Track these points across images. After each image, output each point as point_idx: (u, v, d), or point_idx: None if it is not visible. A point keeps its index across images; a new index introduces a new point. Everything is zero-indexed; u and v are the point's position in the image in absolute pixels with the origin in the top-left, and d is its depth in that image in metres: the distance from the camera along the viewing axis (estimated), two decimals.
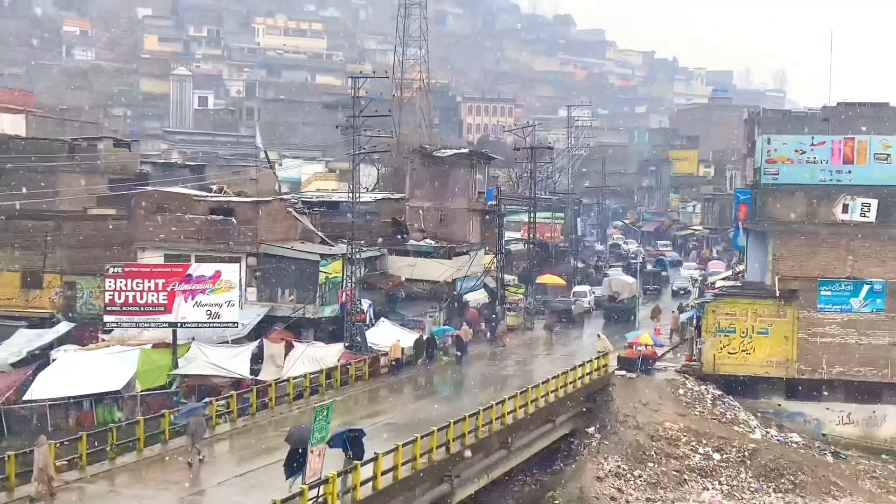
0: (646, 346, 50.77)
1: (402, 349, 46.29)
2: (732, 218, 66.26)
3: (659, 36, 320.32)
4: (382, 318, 52.07)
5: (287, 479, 25.80)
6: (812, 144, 51.77)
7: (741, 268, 62.39)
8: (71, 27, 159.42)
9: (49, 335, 47.70)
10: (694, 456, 40.85)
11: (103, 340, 46.75)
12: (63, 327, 48.57)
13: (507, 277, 64.93)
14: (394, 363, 45.52)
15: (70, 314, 50.07)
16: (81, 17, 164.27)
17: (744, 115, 76.93)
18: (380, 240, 57.88)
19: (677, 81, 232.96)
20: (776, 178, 52.20)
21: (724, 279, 63.54)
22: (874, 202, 50.84)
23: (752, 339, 49.81)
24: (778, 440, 45.37)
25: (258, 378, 42.15)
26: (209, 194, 55.38)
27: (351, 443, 26.24)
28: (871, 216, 50.90)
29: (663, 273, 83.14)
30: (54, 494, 25.84)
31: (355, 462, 25.80)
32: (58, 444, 28.95)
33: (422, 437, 29.61)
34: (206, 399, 36.91)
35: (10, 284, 51.22)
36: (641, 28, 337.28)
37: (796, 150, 52.01)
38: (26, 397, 41.63)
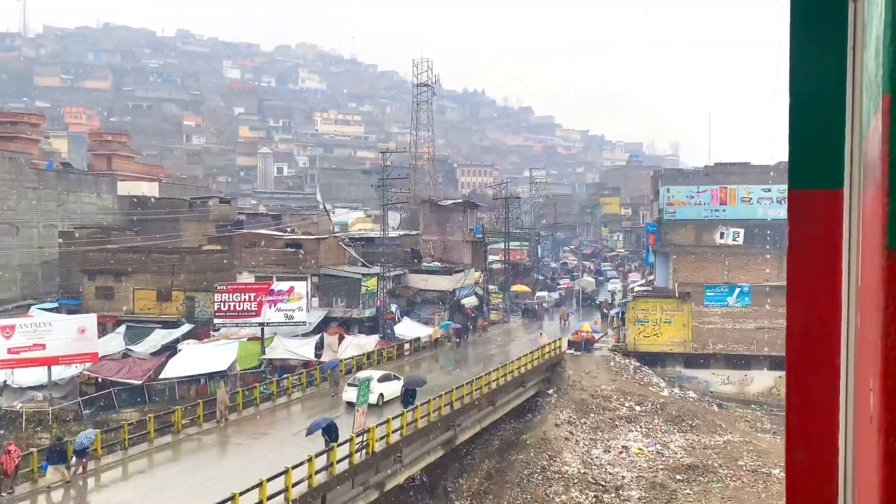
0: (587, 332, 50.67)
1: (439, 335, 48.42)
2: (644, 243, 66.26)
3: (591, 118, 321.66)
4: (405, 317, 52.00)
5: (405, 408, 28.75)
6: (698, 192, 51.88)
7: (651, 278, 62.34)
8: (189, 121, 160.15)
9: (176, 333, 47.70)
10: (622, 408, 40.70)
11: (213, 336, 46.70)
12: (186, 327, 48.54)
13: (490, 287, 64.86)
14: (435, 342, 47.55)
15: (190, 318, 49.99)
16: (196, 115, 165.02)
17: (651, 173, 77.07)
18: (402, 263, 57.88)
19: (604, 150, 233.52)
20: (674, 216, 52.28)
21: (640, 286, 63.48)
22: (742, 231, 50.97)
23: (660, 327, 49.74)
24: (680, 396, 45.21)
25: (321, 360, 42.08)
26: (285, 234, 55.44)
27: (326, 430, 23.80)
28: (740, 240, 50.99)
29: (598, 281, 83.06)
30: (227, 419, 28.93)
31: (332, 444, 23.25)
32: (184, 409, 28.89)
33: (433, 399, 29.52)
34: (339, 359, 39.12)
35: (149, 298, 51.21)
36: (579, 113, 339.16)
37: (687, 196, 52.11)
38: (161, 376, 41.59)
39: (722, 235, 51.36)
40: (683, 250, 51.57)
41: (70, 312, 47.96)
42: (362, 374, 32.31)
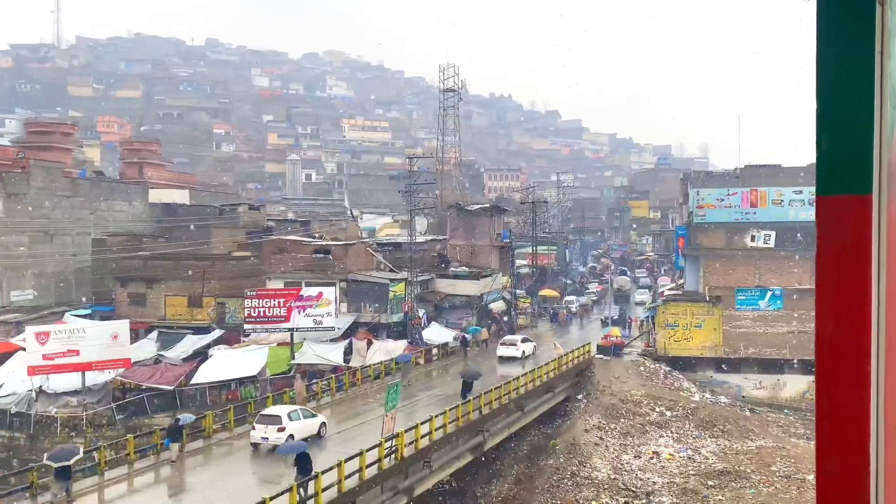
0: (616, 337, 50.29)
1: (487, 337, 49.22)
2: (674, 247, 65.73)
3: (619, 122, 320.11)
4: (433, 322, 52.02)
5: (462, 398, 29.74)
6: (728, 194, 51.40)
7: (681, 281, 61.77)
8: (219, 129, 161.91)
9: (207, 339, 48.16)
10: (652, 413, 40.31)
11: (244, 341, 47.08)
12: (216, 333, 48.96)
13: (518, 291, 64.68)
14: (485, 344, 48.18)
15: (221, 324, 50.41)
16: (225, 123, 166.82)
17: (680, 176, 76.46)
18: (430, 268, 57.94)
19: (633, 153, 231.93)
20: (704, 219, 51.82)
21: (670, 290, 62.94)
22: (773, 233, 50.40)
23: (691, 331, 49.21)
24: (711, 401, 44.67)
25: (349, 365, 42.24)
26: (313, 240, 55.78)
27: (298, 460, 21.11)
28: (771, 243, 50.40)
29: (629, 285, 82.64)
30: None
31: (303, 478, 20.40)
32: (215, 413, 29.16)
33: (462, 404, 29.50)
34: (411, 353, 41.03)
35: (180, 305, 51.78)
36: (607, 117, 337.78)
37: (717, 199, 51.65)
38: (192, 381, 42.02)
39: (753, 238, 50.83)
40: (714, 253, 51.08)
41: (103, 319, 48.70)
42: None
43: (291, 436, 25.05)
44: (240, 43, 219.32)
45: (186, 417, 27.32)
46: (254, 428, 26.07)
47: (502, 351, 43.91)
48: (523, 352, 44.16)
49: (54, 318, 50.68)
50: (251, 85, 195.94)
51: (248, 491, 20.80)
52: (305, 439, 24.75)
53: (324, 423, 27.41)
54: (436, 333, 48.80)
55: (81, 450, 24.04)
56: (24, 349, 42.23)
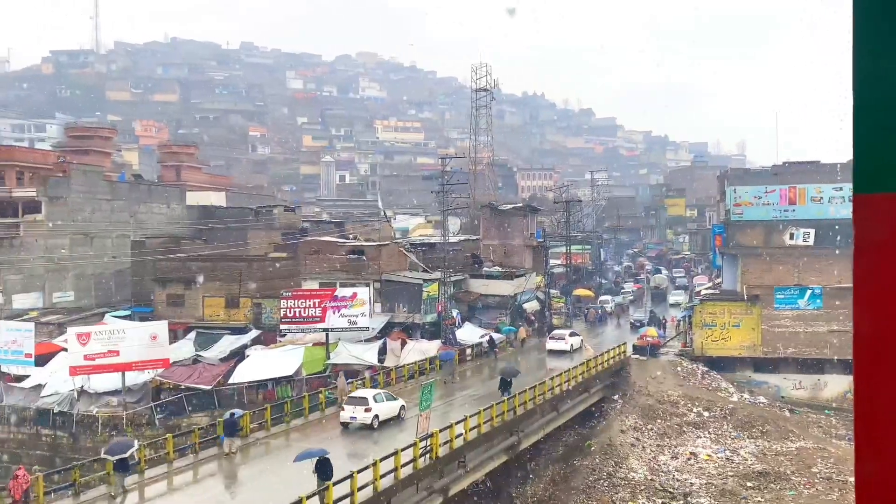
0: (652, 337, 49.86)
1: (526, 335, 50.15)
2: (711, 245, 64.95)
3: (654, 119, 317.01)
4: (466, 322, 52.02)
5: (502, 395, 30.51)
6: (766, 192, 50.66)
7: (719, 280, 61.00)
8: (254, 132, 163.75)
9: (244, 339, 48.63)
10: (689, 414, 39.91)
11: (280, 341, 47.48)
12: (253, 333, 49.43)
13: (552, 291, 64.40)
14: (522, 343, 49.03)
15: (258, 324, 50.86)
16: (261, 125, 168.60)
17: (717, 173, 75.52)
18: (463, 268, 57.93)
19: (668, 151, 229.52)
20: (741, 217, 51.13)
21: (707, 289, 62.18)
22: (812, 231, 49.57)
23: (728, 330, 48.63)
24: (750, 401, 44.08)
25: (384, 364, 42.41)
26: (348, 241, 56.11)
27: (318, 466, 20.84)
28: (811, 241, 49.59)
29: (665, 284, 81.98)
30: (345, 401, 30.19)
31: (326, 483, 20.05)
32: (252, 413, 29.52)
33: (496, 404, 29.47)
34: (454, 351, 42.15)
35: (218, 305, 52.41)
36: (642, 114, 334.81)
37: (755, 196, 50.93)
38: (230, 381, 42.51)
39: (792, 236, 50.03)
40: (752, 252, 50.37)
41: (142, 320, 49.47)
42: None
43: (377, 416, 28.22)
44: (274, 46, 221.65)
45: (237, 412, 27.72)
46: (343, 409, 29.09)
47: (551, 345, 46.66)
48: (571, 345, 46.47)
49: (95, 319, 51.67)
50: (286, 87, 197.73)
51: (287, 489, 20.98)
52: (388, 420, 28.48)
53: (403, 406, 29.86)
54: (469, 333, 48.83)
55: (137, 443, 24.65)
56: (65, 350, 43.09)
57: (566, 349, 45.78)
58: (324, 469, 20.62)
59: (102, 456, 23.34)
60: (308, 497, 19.38)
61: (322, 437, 28.11)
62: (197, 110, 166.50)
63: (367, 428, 28.22)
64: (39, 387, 42.89)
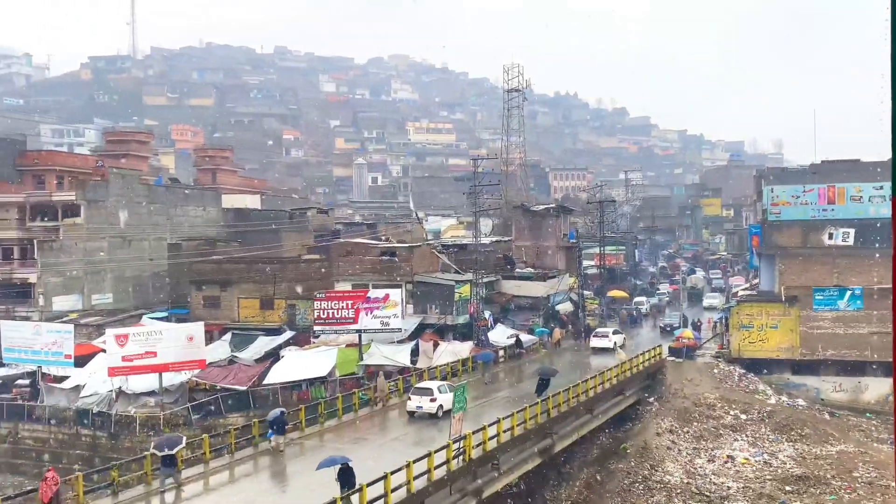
0: (688, 339, 49.32)
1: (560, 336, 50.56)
2: (748, 246, 64.08)
3: (689, 118, 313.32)
4: (499, 323, 51.90)
5: (538, 396, 31.11)
6: (804, 191, 49.84)
7: (756, 281, 60.12)
8: (288, 136, 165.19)
9: (279, 340, 49.06)
10: (726, 417, 39.40)
11: (313, 342, 47.83)
12: (287, 334, 49.85)
13: (586, 293, 64.00)
14: (556, 344, 49.46)
15: (292, 325, 51.26)
16: (294, 129, 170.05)
17: (753, 172, 74.48)
18: (495, 269, 57.79)
19: (704, 150, 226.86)
20: (778, 217, 50.34)
21: (744, 290, 61.30)
22: (852, 231, 48.63)
23: (766, 332, 47.98)
24: (788, 404, 43.40)
25: (416, 366, 42.48)
26: (380, 242, 56.39)
27: (341, 474, 20.66)
28: (850, 241, 48.62)
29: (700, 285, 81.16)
30: (386, 404, 32.68)
31: (348, 491, 20.12)
32: (287, 412, 29.80)
33: (530, 407, 29.37)
34: (492, 352, 42.60)
35: (252, 307, 52.96)
36: (676, 113, 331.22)
37: (793, 196, 50.11)
38: (265, 382, 42.91)
39: (830, 236, 49.10)
40: (789, 252, 49.56)
41: (179, 321, 50.17)
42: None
43: (441, 405, 29.82)
44: (307, 50, 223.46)
45: (273, 415, 27.81)
46: (409, 399, 31.09)
47: (595, 342, 48.04)
48: (615, 343, 47.77)
49: (133, 320, 52.53)
50: (319, 91, 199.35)
51: (322, 490, 21.11)
52: (450, 409, 29.12)
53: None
54: (500, 335, 48.70)
55: (185, 439, 25.14)
56: (104, 351, 43.87)
57: (610, 346, 47.13)
58: (346, 477, 20.54)
59: (151, 451, 23.87)
60: (341, 498, 19.48)
61: (355, 437, 28.21)
62: (232, 114, 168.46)
63: (433, 417, 29.84)
64: (79, 387, 43.73)
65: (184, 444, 24.04)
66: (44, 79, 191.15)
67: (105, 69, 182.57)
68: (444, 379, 37.75)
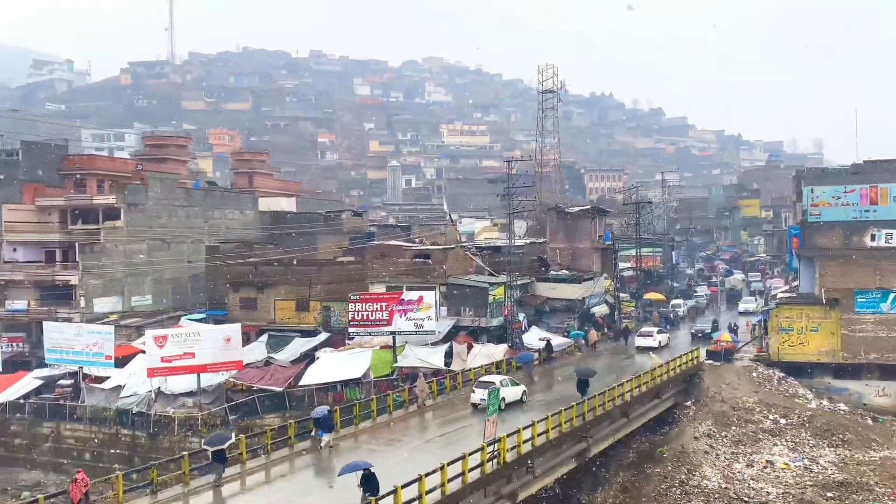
0: (726, 342, 48.73)
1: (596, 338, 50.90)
2: (787, 248, 63.08)
3: (726, 118, 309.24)
4: (533, 326, 51.72)
5: (582, 396, 31.78)
6: (845, 192, 48.82)
7: (796, 283, 59.08)
8: (323, 139, 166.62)
9: (314, 341, 49.41)
10: (765, 421, 38.75)
11: (348, 344, 48.10)
12: (322, 336, 50.18)
13: (622, 295, 63.46)
14: (592, 346, 49.93)
15: (327, 327, 51.57)
16: (329, 132, 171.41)
17: (792, 173, 73.27)
18: (529, 271, 57.57)
19: (742, 150, 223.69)
20: (819, 218, 49.40)
21: (783, 292, 60.25)
22: (895, 232, 47.51)
23: (806, 335, 47.11)
24: (829, 408, 42.54)
25: (450, 368, 42.50)
26: (414, 245, 56.52)
27: (365, 480, 20.67)
28: (893, 243, 47.53)
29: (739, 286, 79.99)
30: (425, 405, 33.04)
31: (370, 499, 20.01)
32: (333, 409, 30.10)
33: (565, 410, 29.22)
34: (533, 353, 43.01)
35: (288, 308, 53.43)
36: (713, 113, 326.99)
37: (833, 196, 49.12)
38: (300, 383, 43.28)
39: (873, 237, 48.01)
40: (830, 254, 48.60)
41: (217, 322, 50.81)
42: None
43: (503, 398, 30.98)
44: (342, 53, 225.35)
45: (319, 412, 28.06)
46: (473, 391, 32.59)
47: (640, 341, 49.81)
48: (659, 342, 49.69)
49: (171, 322, 53.36)
50: (353, 94, 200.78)
51: (356, 491, 21.23)
52: (512, 403, 32.28)
53: (524, 391, 33.93)
54: (535, 338, 48.50)
55: (234, 436, 25.73)
56: (143, 352, 44.63)
57: (654, 345, 48.72)
58: (369, 483, 20.49)
59: (202, 447, 24.53)
60: (378, 499, 19.57)
61: (389, 439, 28.29)
62: (268, 118, 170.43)
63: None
64: (119, 388, 44.51)
65: (234, 440, 24.75)
66: (85, 84, 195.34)
67: (144, 74, 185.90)
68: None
